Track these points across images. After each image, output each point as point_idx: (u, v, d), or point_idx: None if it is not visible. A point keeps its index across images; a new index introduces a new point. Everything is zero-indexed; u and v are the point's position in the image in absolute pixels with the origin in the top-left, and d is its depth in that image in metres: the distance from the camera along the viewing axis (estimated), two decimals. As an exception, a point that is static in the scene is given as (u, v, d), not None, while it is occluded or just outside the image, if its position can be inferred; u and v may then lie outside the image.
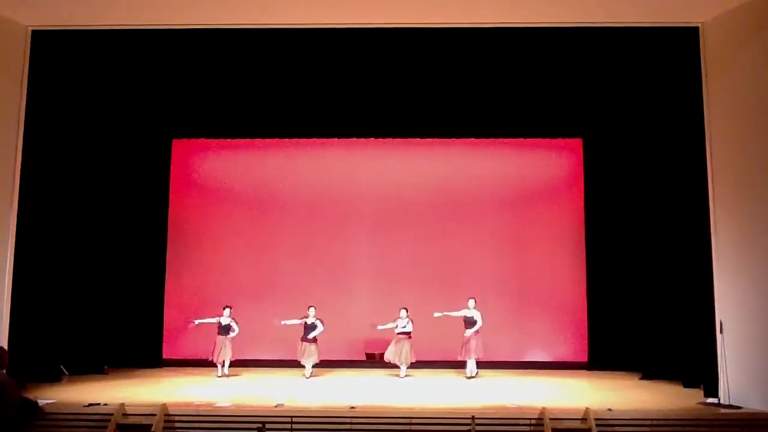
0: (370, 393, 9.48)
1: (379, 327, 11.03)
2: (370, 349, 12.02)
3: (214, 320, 11.00)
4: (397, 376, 10.81)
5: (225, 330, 10.89)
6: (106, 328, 11.49)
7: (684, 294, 10.17)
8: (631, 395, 9.34)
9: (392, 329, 10.93)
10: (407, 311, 10.96)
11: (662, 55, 10.37)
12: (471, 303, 10.79)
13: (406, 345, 10.80)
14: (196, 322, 11.12)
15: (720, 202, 8.97)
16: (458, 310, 10.83)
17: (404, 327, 10.85)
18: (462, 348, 10.68)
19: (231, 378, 10.71)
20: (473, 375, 10.63)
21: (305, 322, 10.78)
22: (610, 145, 11.97)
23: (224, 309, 11.04)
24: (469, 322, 10.67)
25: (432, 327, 10.91)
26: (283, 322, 10.87)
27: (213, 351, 10.81)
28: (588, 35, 10.01)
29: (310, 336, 10.69)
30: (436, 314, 10.75)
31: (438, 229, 12.44)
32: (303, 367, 10.70)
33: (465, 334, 10.64)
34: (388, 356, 10.89)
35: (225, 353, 10.79)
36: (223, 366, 10.83)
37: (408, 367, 10.86)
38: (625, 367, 11.36)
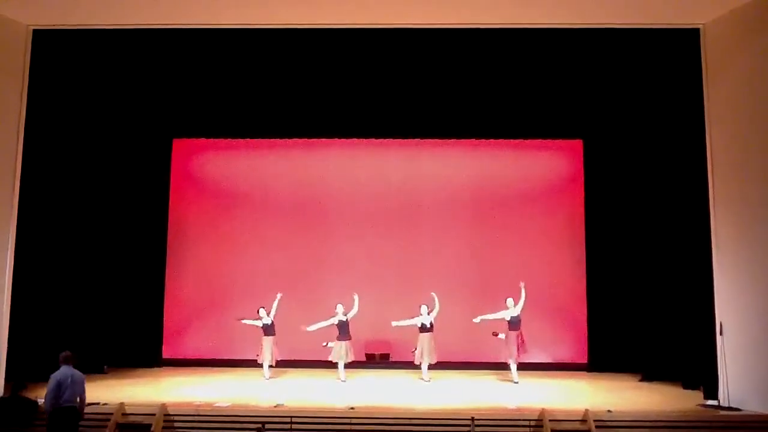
0: (370, 393, 9.49)
1: (394, 323, 10.69)
2: (370, 349, 12.01)
3: (258, 323, 10.85)
4: (421, 379, 10.61)
5: (270, 330, 10.80)
6: (105, 327, 11.48)
7: (684, 296, 10.17)
8: (630, 397, 9.34)
9: (410, 327, 10.71)
10: (428, 307, 10.68)
11: (663, 56, 10.38)
12: (510, 302, 10.54)
13: (432, 342, 10.57)
14: (243, 321, 10.95)
15: (720, 204, 8.98)
16: (495, 312, 10.56)
17: (431, 321, 10.56)
18: (514, 348, 10.35)
19: (232, 377, 10.70)
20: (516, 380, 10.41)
21: (339, 320, 10.60)
22: (611, 147, 11.96)
23: (259, 310, 10.89)
24: (514, 323, 10.43)
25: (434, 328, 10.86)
26: (309, 329, 10.60)
27: (259, 353, 10.74)
28: (589, 37, 10.02)
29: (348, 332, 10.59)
30: (476, 319, 10.48)
31: (438, 230, 12.43)
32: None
33: (506, 336, 10.37)
34: (424, 357, 10.51)
35: (272, 353, 10.70)
36: (270, 367, 10.80)
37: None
38: (625, 369, 11.34)
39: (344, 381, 10.41)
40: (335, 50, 10.78)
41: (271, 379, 10.63)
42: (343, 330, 10.61)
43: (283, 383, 10.32)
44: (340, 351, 10.51)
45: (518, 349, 10.35)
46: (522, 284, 10.49)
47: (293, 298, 11.97)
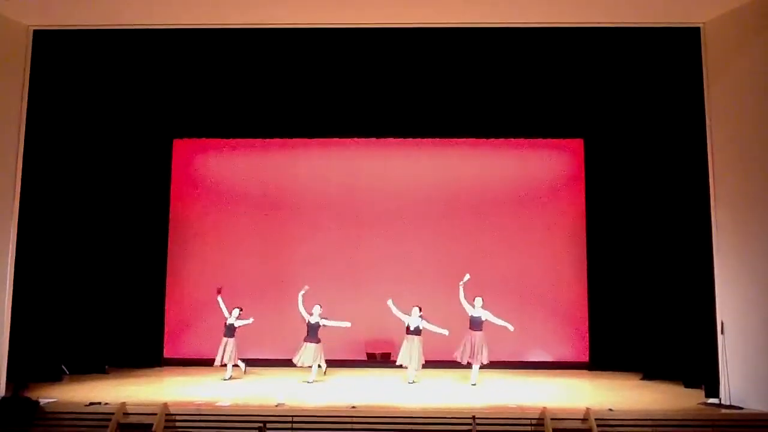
0: (371, 393, 9.48)
1: (391, 305, 10.38)
2: (371, 348, 12.02)
3: (225, 313, 10.70)
4: (405, 379, 10.35)
5: (229, 332, 10.66)
6: (107, 327, 11.50)
7: (685, 294, 10.17)
8: (632, 395, 9.34)
9: (401, 324, 10.47)
10: (420, 310, 10.45)
11: (663, 55, 10.38)
12: (478, 302, 10.31)
13: (417, 345, 10.25)
14: (219, 298, 10.79)
15: (721, 203, 8.97)
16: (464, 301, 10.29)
17: (416, 325, 10.29)
18: (468, 351, 10.12)
19: (233, 377, 10.68)
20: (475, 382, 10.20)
21: (309, 322, 10.39)
22: (612, 146, 11.96)
23: (233, 309, 10.79)
24: (476, 323, 10.22)
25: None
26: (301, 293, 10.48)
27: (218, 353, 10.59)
28: (589, 36, 10.01)
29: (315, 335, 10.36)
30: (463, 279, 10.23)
31: (438, 230, 12.44)
32: (302, 367, 10.60)
33: (471, 336, 10.16)
34: (402, 360, 10.24)
35: (225, 353, 10.54)
36: (225, 367, 10.62)
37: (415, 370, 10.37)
38: (626, 368, 11.34)
39: (310, 382, 10.17)
40: (336, 50, 10.78)
41: (229, 380, 10.46)
42: (312, 332, 10.34)
43: (284, 382, 10.31)
44: (302, 353, 10.23)
45: (471, 352, 10.05)
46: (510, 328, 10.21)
47: (292, 298, 11.98)
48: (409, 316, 10.45)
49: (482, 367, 10.31)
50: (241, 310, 10.88)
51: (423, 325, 10.37)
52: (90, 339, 11.27)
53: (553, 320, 12.12)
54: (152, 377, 10.82)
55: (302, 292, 10.55)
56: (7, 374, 9.02)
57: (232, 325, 10.72)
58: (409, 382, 10.24)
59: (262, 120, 12.17)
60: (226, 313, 10.78)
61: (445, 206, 12.49)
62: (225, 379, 10.53)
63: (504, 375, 10.89)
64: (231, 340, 10.64)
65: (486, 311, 10.31)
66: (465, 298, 10.31)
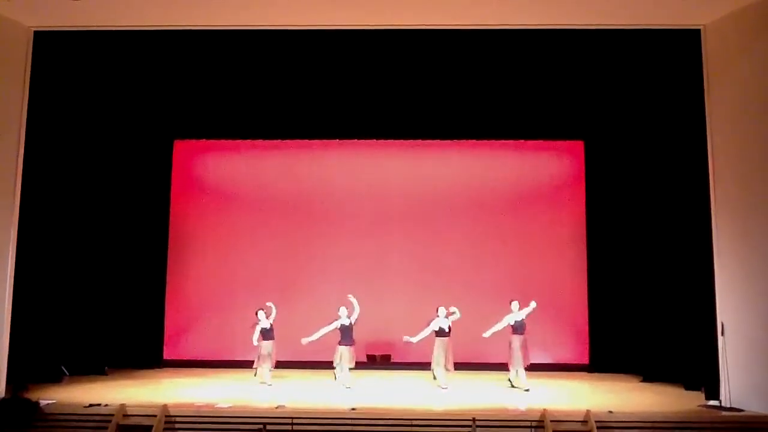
0: (372, 394, 9.47)
1: (414, 340, 10.09)
2: (371, 350, 12.01)
3: (257, 332, 10.42)
4: (439, 386, 10.01)
5: (269, 334, 10.45)
6: (107, 328, 11.50)
7: (685, 296, 10.17)
8: (632, 397, 9.34)
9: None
10: (446, 309, 10.19)
11: (664, 57, 10.39)
12: (515, 305, 10.14)
13: (449, 347, 10.03)
14: (258, 359, 10.36)
15: (721, 205, 8.97)
16: (500, 319, 10.10)
17: (448, 326, 10.03)
18: (519, 355, 9.91)
19: (233, 379, 10.67)
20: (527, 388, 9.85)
21: (342, 324, 10.18)
22: (612, 148, 11.97)
23: (257, 313, 10.53)
24: (519, 327, 10.05)
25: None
26: (306, 341, 10.13)
27: (257, 358, 10.37)
28: (590, 37, 10.02)
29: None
30: (486, 334, 9.97)
31: (439, 232, 12.43)
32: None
33: (513, 341, 9.99)
34: (439, 363, 9.97)
35: (272, 357, 10.37)
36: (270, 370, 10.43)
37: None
38: (627, 370, 11.35)
39: (350, 387, 9.98)
40: (336, 52, 10.80)
41: (273, 382, 10.44)
42: (346, 334, 10.20)
43: (285, 384, 10.30)
44: (343, 357, 10.08)
45: (524, 357, 9.98)
46: (533, 305, 10.12)
47: (294, 299, 11.99)
48: (437, 318, 10.17)
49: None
50: (263, 309, 10.65)
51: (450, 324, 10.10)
52: (90, 340, 11.27)
53: (553, 322, 12.09)
54: (152, 379, 10.82)
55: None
56: (7, 375, 9.02)
57: (271, 326, 10.50)
58: (443, 388, 9.97)
59: (262, 121, 12.19)
60: (259, 328, 10.46)
61: (445, 208, 12.48)
62: (268, 384, 10.34)
63: (504, 377, 10.85)
64: (271, 343, 10.45)
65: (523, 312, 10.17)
66: (498, 324, 10.06)
